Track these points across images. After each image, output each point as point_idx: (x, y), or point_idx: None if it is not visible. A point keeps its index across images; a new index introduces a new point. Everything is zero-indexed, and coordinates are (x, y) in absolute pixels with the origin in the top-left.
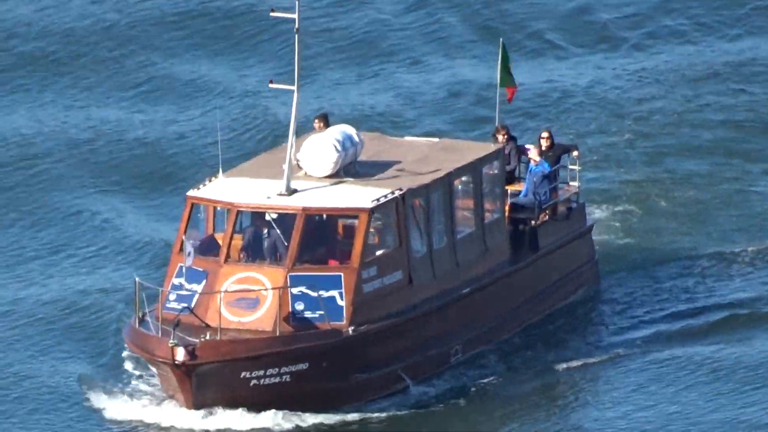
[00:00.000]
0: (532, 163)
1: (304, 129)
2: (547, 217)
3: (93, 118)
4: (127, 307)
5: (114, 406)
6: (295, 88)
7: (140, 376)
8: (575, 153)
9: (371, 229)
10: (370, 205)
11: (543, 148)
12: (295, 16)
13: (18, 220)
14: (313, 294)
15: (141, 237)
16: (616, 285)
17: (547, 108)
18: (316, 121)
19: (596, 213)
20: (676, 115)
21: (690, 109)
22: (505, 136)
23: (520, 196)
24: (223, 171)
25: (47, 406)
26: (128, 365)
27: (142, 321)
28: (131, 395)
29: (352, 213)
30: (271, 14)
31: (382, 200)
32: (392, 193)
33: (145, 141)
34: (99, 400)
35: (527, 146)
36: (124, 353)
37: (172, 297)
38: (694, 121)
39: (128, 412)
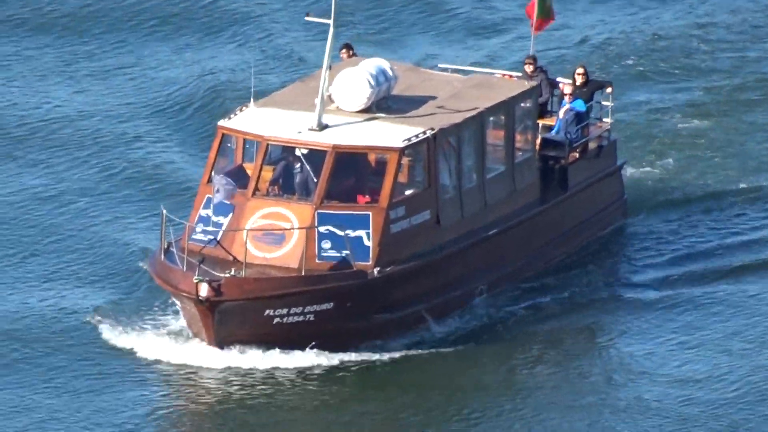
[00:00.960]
0: (565, 99)
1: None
2: (577, 155)
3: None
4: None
5: (138, 343)
6: (331, 21)
7: (165, 310)
8: (609, 89)
9: (401, 169)
10: (401, 144)
11: (578, 84)
12: None
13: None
14: (340, 233)
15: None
16: (645, 222)
17: (579, 47)
18: (343, 51)
19: (628, 148)
20: (713, 52)
21: (728, 48)
22: (533, 67)
23: (552, 132)
24: (255, 100)
25: (70, 345)
26: (152, 298)
27: (167, 252)
28: (155, 331)
29: (383, 152)
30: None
31: (413, 140)
32: (424, 132)
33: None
34: (123, 337)
35: (559, 80)
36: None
37: (198, 228)
38: (731, 58)
39: (153, 348)
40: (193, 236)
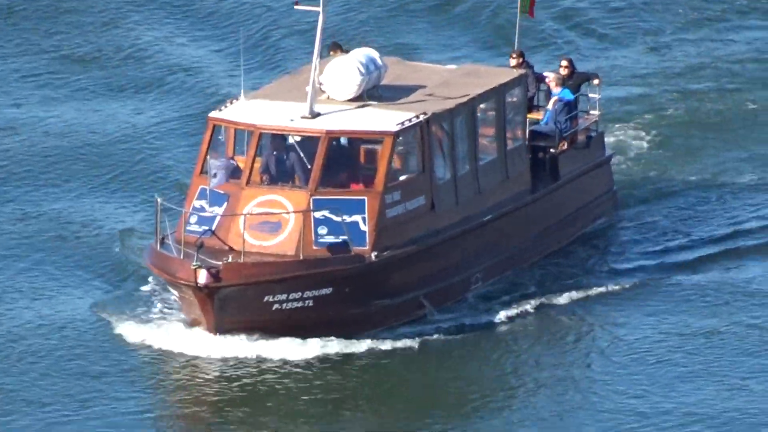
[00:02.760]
0: (553, 90)
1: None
2: (566, 146)
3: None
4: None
5: (136, 333)
6: (320, 9)
7: (160, 301)
8: (596, 81)
9: (395, 153)
10: (395, 128)
11: (563, 76)
12: None
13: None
14: (336, 218)
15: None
16: (635, 215)
17: (564, 32)
18: (331, 52)
19: (615, 137)
20: (703, 42)
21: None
22: (520, 61)
23: (541, 123)
24: (245, 94)
25: (69, 338)
26: (147, 289)
27: (162, 243)
28: (152, 321)
29: (377, 136)
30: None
31: (407, 124)
32: (417, 117)
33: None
34: (120, 327)
35: (545, 74)
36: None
37: (193, 219)
38: (721, 48)
39: (150, 337)
40: (188, 227)
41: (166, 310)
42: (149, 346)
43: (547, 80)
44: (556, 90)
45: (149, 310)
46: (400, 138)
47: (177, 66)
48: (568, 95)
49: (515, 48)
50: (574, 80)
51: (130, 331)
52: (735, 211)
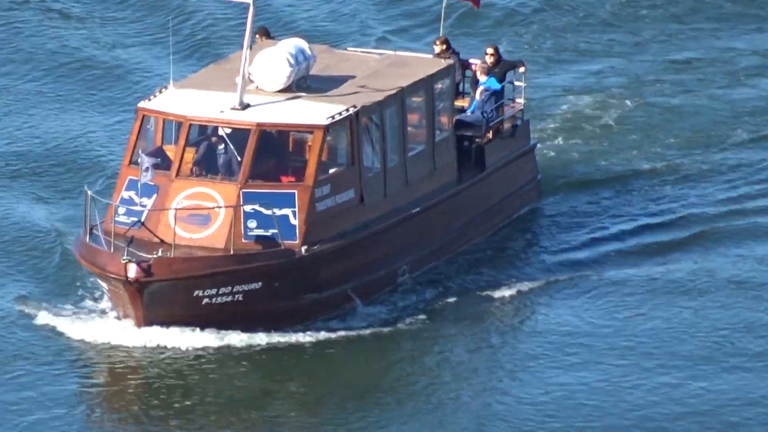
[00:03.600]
0: (480, 79)
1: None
2: (492, 135)
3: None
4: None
5: (63, 325)
6: (250, 1)
7: (88, 293)
8: (522, 69)
9: (325, 147)
10: (325, 122)
11: (489, 64)
12: None
13: None
14: (266, 212)
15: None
16: (558, 203)
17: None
18: (257, 36)
19: (538, 126)
20: (622, 29)
21: (635, 22)
22: (444, 48)
23: (467, 112)
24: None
25: None
26: (75, 281)
27: (91, 234)
28: (80, 313)
29: (307, 129)
30: None
31: (337, 117)
32: (347, 110)
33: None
34: (48, 319)
35: (471, 61)
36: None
37: (121, 210)
38: (639, 38)
39: (78, 330)
40: (117, 218)
41: (93, 302)
42: (75, 338)
43: (473, 67)
44: (482, 78)
45: (77, 303)
46: (330, 131)
47: (103, 57)
48: (495, 84)
49: (440, 35)
50: (500, 68)
51: (56, 322)
52: (657, 200)
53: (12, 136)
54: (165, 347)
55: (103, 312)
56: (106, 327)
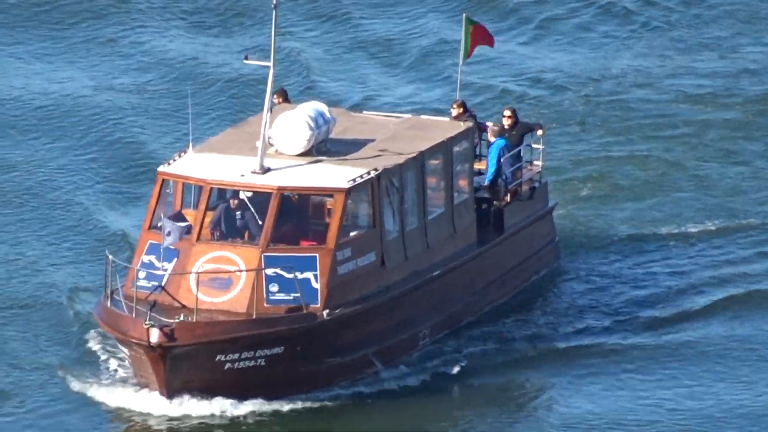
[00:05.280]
0: (491, 140)
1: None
2: (509, 197)
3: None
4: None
5: (86, 391)
6: (271, 64)
7: (109, 357)
8: (540, 132)
9: (347, 210)
10: (346, 185)
11: (506, 126)
12: None
13: None
14: (288, 275)
15: (98, 218)
16: (576, 265)
17: (507, 84)
18: (275, 96)
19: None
20: (638, 91)
21: (655, 88)
22: (461, 111)
23: (487, 177)
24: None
25: (18, 396)
26: (95, 346)
27: (111, 298)
28: (103, 379)
29: (329, 193)
30: None
31: (358, 180)
32: (368, 173)
33: (110, 112)
34: (71, 385)
35: (487, 123)
36: (91, 334)
37: (142, 275)
38: (658, 99)
39: (101, 396)
40: (138, 283)
41: (115, 368)
42: (100, 404)
43: (487, 129)
44: (492, 140)
45: (98, 368)
46: (352, 194)
47: (119, 118)
48: (501, 144)
49: (457, 97)
50: (517, 130)
51: (79, 388)
52: (674, 265)
53: (29, 193)
54: (187, 414)
55: (125, 378)
56: (128, 394)
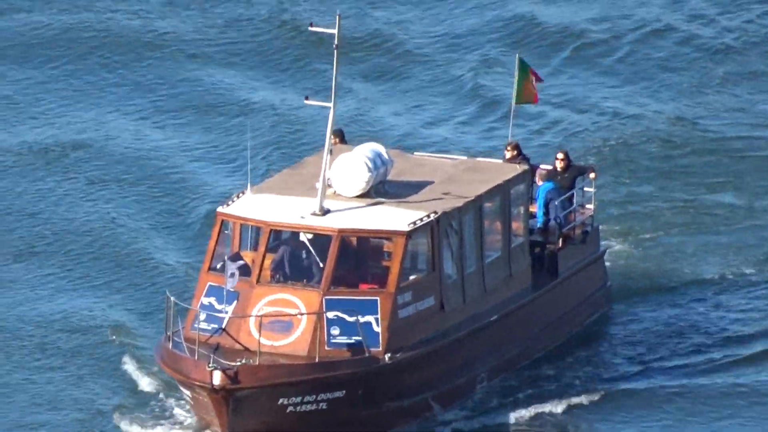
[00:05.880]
0: (538, 183)
1: (318, 145)
2: (561, 241)
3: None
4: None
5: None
6: (331, 105)
7: (167, 399)
8: (592, 175)
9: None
10: (407, 228)
11: (558, 169)
12: (335, 31)
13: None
14: (350, 319)
15: (150, 257)
16: (628, 310)
17: (561, 124)
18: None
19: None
20: (691, 134)
21: (702, 133)
22: (515, 153)
23: (538, 220)
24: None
25: None
26: (151, 387)
27: (171, 340)
28: (162, 422)
29: (389, 236)
30: (310, 29)
31: (419, 223)
32: (428, 216)
33: (164, 156)
34: (129, 429)
35: (542, 166)
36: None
37: (202, 316)
38: (708, 143)
39: None
40: (197, 325)
41: (174, 410)
42: None
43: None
44: (540, 183)
45: (155, 410)
46: (412, 238)
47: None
48: (549, 185)
49: (509, 140)
50: (570, 173)
51: (134, 428)
52: (730, 308)
53: (78, 231)
54: None
55: (182, 421)
56: None
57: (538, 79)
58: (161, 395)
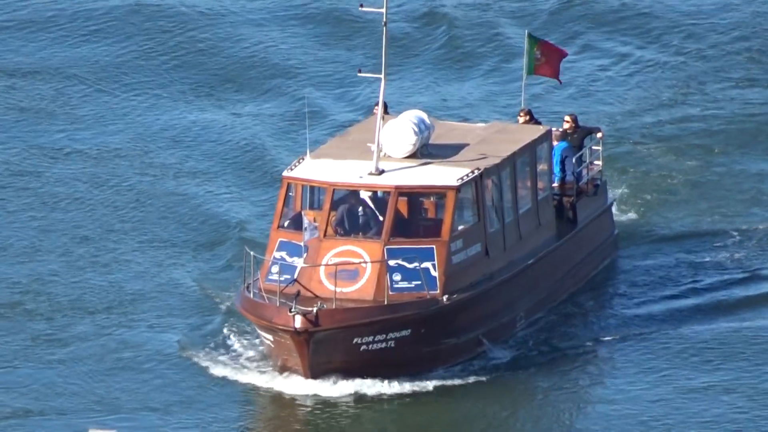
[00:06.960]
0: (554, 143)
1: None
2: (576, 194)
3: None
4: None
5: (220, 371)
6: (382, 76)
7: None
8: (599, 135)
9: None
10: (456, 183)
11: (562, 131)
12: (383, 10)
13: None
14: (409, 266)
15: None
16: (634, 257)
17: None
18: (375, 107)
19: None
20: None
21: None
22: (527, 119)
23: (555, 175)
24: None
25: (161, 376)
26: (227, 333)
27: (248, 290)
28: (239, 362)
29: (441, 191)
30: (360, 8)
31: (466, 179)
32: (472, 172)
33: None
34: (205, 364)
35: (553, 129)
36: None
37: (274, 269)
38: (717, 99)
39: (242, 378)
40: (270, 277)
41: (246, 351)
42: (241, 387)
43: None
44: (555, 143)
45: (234, 352)
46: (461, 191)
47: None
48: (564, 145)
49: (522, 106)
50: (578, 134)
51: (218, 371)
52: (731, 257)
53: (167, 196)
54: (324, 395)
55: (261, 362)
56: (268, 376)
57: (561, 54)
58: (235, 339)
